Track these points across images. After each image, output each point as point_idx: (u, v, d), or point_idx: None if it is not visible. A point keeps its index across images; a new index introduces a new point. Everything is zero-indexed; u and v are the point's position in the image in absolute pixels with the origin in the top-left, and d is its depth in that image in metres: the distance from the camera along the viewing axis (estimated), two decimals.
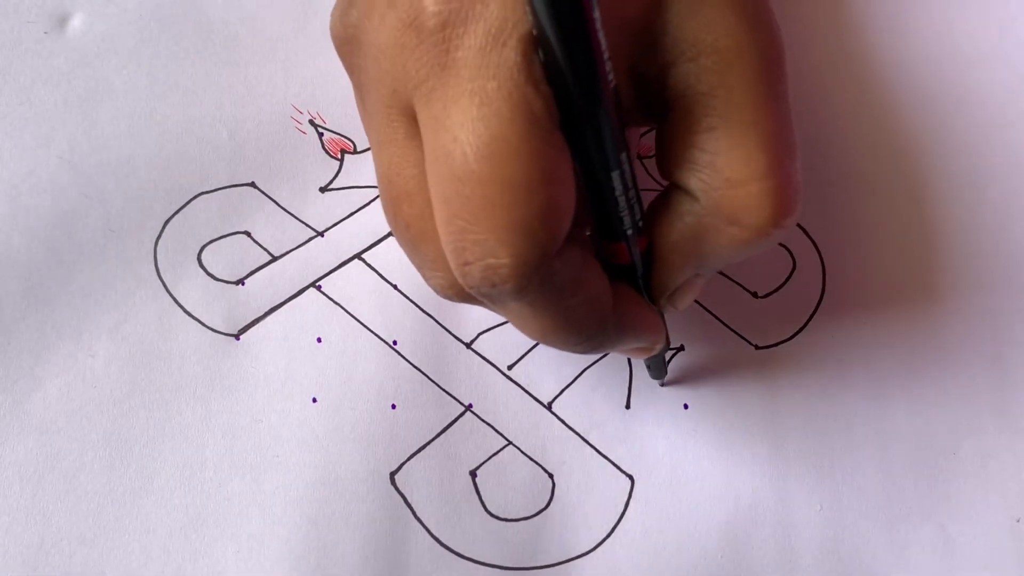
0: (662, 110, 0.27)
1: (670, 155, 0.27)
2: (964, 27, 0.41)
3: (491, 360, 0.35)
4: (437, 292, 0.27)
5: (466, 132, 0.23)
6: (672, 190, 0.27)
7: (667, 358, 0.34)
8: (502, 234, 0.23)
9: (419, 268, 0.27)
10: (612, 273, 0.28)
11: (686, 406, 0.35)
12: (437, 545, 0.33)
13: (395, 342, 0.35)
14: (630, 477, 0.34)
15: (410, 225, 0.26)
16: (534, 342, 0.35)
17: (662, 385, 0.35)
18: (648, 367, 0.34)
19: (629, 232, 0.27)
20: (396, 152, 0.26)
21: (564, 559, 0.33)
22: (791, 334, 0.36)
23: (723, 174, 0.26)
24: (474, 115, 0.23)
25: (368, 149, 0.38)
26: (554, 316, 0.26)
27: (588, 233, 0.28)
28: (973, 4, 0.41)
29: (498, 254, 0.23)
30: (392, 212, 0.27)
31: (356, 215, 0.37)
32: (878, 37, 0.41)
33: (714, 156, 0.26)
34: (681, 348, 0.36)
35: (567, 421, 0.35)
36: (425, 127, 0.24)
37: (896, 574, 0.33)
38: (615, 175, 0.25)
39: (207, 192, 0.37)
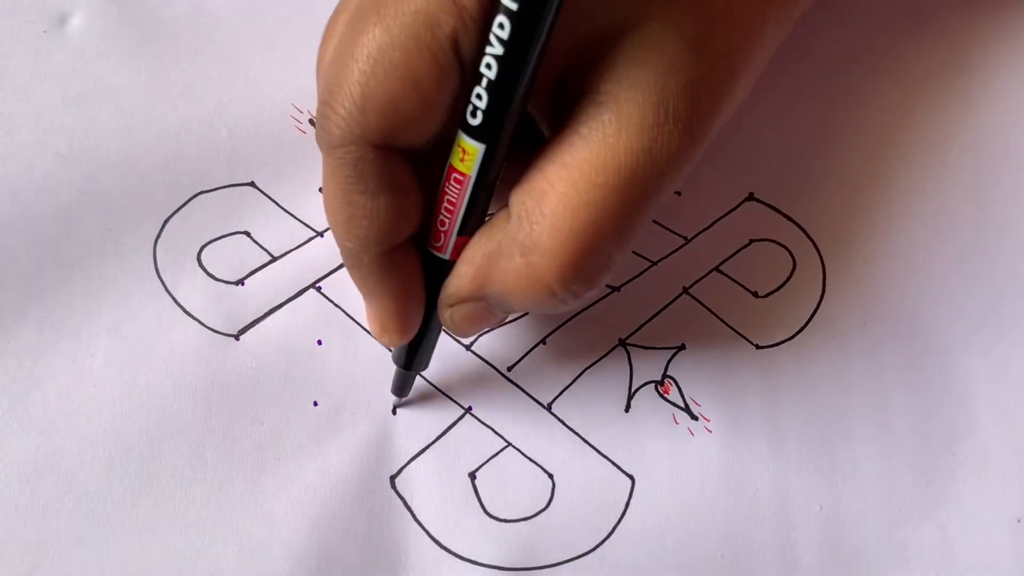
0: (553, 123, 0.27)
1: (520, 176, 0.27)
2: (969, 28, 0.41)
3: (491, 362, 0.35)
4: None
5: None
6: (502, 209, 0.28)
7: (409, 381, 0.33)
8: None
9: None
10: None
11: (686, 406, 0.35)
12: (437, 547, 0.33)
13: None
14: (630, 477, 0.34)
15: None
16: (534, 343, 0.36)
17: (393, 409, 0.34)
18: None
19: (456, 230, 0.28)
20: None
21: (564, 559, 0.33)
22: (791, 334, 0.36)
23: (542, 206, 0.26)
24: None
25: None
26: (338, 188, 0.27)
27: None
28: (980, 6, 0.41)
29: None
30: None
31: None
32: (878, 37, 0.41)
33: (547, 188, 0.26)
34: (682, 347, 0.36)
35: (567, 422, 0.35)
36: None
37: (896, 574, 0.33)
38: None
39: (207, 191, 0.37)
